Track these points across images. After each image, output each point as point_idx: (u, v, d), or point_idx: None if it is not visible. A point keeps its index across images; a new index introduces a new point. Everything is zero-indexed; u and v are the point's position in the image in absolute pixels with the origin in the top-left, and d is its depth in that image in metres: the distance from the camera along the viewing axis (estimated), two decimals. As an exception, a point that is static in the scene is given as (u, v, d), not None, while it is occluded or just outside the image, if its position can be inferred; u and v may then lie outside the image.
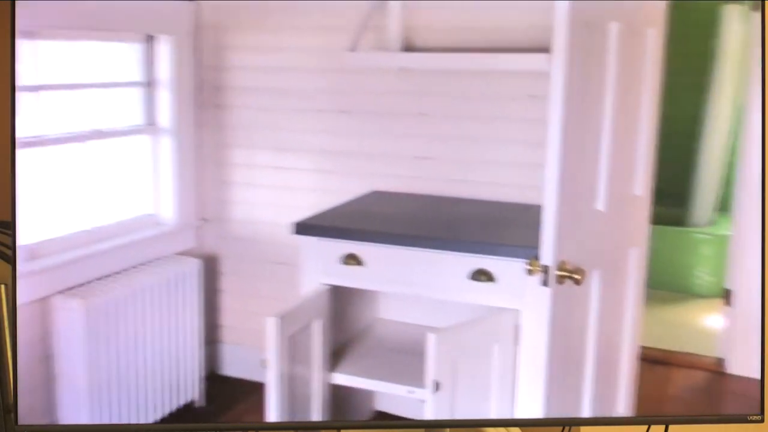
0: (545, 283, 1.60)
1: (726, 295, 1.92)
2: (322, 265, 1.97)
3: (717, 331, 2.03)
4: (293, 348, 1.85)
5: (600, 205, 1.76)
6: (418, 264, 1.85)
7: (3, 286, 1.82)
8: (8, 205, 1.58)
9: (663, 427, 1.52)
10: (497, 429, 1.66)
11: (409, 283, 1.88)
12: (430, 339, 1.71)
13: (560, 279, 1.60)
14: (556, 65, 1.54)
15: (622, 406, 1.70)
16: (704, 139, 3.00)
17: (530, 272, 1.61)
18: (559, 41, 1.53)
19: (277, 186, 2.30)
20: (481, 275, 1.77)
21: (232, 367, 2.34)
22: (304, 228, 1.98)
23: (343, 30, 2.15)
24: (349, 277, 1.94)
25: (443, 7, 2.11)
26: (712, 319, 2.20)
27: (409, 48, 2.15)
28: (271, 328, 1.80)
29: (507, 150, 2.07)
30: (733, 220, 1.98)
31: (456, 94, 2.12)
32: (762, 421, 1.45)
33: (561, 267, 1.60)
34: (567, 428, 1.65)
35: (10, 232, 1.58)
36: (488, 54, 2.00)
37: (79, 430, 1.74)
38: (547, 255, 1.59)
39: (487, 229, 1.91)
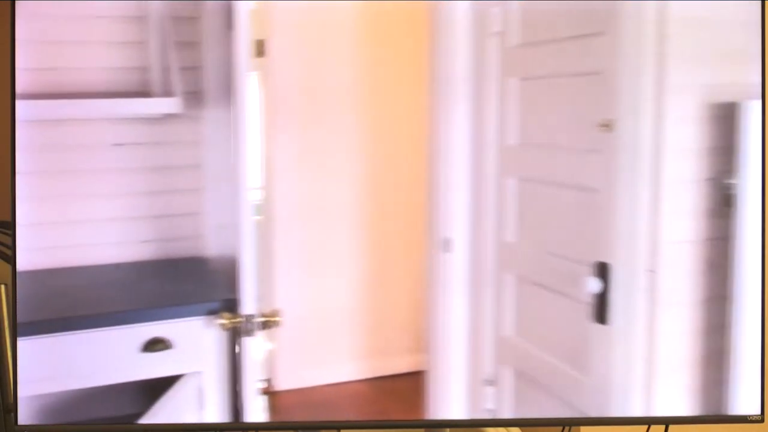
0: (249, 333, 1.53)
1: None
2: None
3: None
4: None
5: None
6: (79, 352, 1.56)
7: (3, 286, 1.81)
8: (8, 205, 1.54)
9: (663, 427, 1.50)
10: (497, 429, 1.62)
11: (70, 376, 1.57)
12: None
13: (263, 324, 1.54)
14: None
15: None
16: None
17: (224, 326, 1.52)
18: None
19: None
20: (156, 344, 1.57)
21: None
22: None
23: None
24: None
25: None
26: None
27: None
28: None
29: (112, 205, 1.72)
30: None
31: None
32: (762, 421, 1.43)
33: (261, 313, 1.54)
34: (567, 428, 1.62)
35: (10, 232, 1.54)
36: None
37: (79, 430, 1.68)
38: (250, 303, 1.52)
39: (151, 292, 1.68)
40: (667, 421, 1.45)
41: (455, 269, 1.81)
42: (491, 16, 1.68)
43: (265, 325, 1.53)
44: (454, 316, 1.82)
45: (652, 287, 1.34)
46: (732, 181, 1.29)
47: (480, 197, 1.76)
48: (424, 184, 1.85)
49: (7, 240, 1.66)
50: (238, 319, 1.52)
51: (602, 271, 1.42)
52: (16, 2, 1.54)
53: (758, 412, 1.40)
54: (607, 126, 1.39)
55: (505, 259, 1.71)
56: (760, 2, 1.31)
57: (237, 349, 1.54)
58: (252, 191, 1.58)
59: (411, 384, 1.97)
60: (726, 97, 1.29)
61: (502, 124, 1.69)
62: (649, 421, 1.45)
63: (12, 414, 1.58)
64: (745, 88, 1.29)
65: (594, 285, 1.43)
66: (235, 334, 1.53)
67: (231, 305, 1.52)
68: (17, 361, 1.54)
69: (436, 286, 1.85)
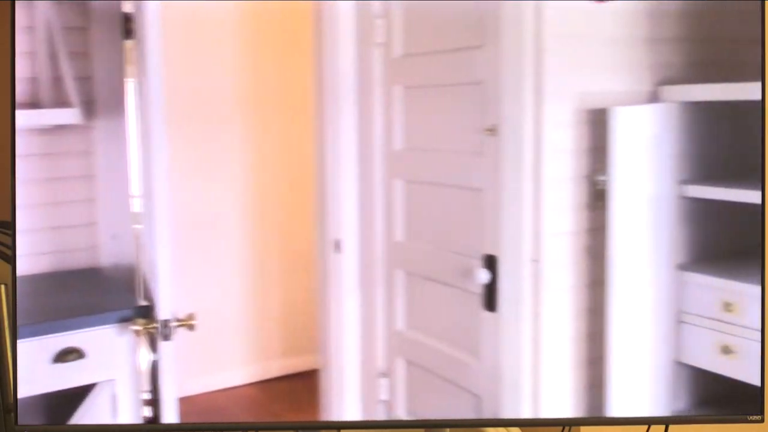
0: (167, 338, 1.55)
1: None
2: None
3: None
4: None
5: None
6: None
7: (3, 286, 1.80)
8: (8, 205, 1.53)
9: (663, 427, 1.52)
10: (497, 429, 1.66)
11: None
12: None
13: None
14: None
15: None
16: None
17: (138, 333, 1.54)
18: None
19: None
20: (68, 354, 1.55)
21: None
22: None
23: None
24: None
25: None
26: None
27: None
28: None
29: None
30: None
31: None
32: (762, 421, 1.44)
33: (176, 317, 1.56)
34: (567, 428, 1.65)
35: (10, 232, 1.53)
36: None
37: (79, 430, 1.64)
38: (165, 309, 1.55)
39: (58, 303, 1.66)
40: (667, 421, 1.48)
41: (346, 269, 1.89)
42: (375, 28, 1.77)
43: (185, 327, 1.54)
44: (347, 314, 1.90)
45: (536, 275, 1.49)
46: (603, 178, 1.46)
47: (369, 200, 1.85)
48: (313, 187, 1.92)
49: (7, 240, 1.65)
50: (152, 325, 1.52)
51: (490, 263, 1.55)
52: (16, 2, 1.53)
53: (758, 412, 1.44)
54: (491, 131, 1.52)
55: (395, 257, 1.81)
56: (760, 2, 1.39)
57: (151, 356, 1.54)
58: (143, 198, 1.59)
59: (306, 384, 2.03)
60: (598, 104, 1.45)
61: (389, 130, 1.79)
62: (649, 421, 1.47)
63: (12, 414, 1.56)
64: (614, 96, 1.46)
65: (483, 276, 1.55)
66: (148, 340, 1.53)
67: (144, 311, 1.53)
68: (17, 361, 1.53)
69: (328, 286, 1.92)
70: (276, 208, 2.10)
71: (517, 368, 1.52)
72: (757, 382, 1.39)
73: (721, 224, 1.50)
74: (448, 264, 1.66)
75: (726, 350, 1.42)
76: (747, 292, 1.40)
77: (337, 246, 1.90)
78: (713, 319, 1.44)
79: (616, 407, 1.48)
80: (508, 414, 1.54)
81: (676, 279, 1.49)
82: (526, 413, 1.51)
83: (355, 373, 1.91)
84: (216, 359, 2.11)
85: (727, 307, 1.42)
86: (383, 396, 1.87)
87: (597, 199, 1.47)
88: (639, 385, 1.50)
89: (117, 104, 1.61)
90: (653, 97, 1.47)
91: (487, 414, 1.59)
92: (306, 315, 2.05)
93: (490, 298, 1.56)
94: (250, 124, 2.04)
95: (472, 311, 1.60)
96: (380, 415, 1.91)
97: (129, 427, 1.62)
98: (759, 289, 1.38)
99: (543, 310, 1.49)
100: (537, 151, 1.46)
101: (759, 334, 1.39)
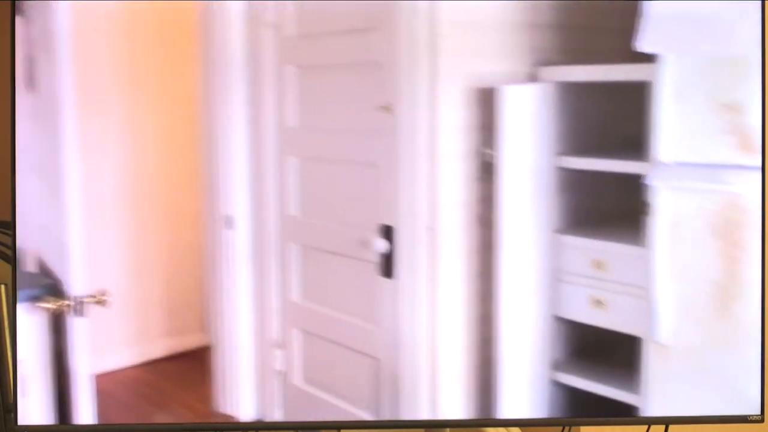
0: (79, 314, 1.60)
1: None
2: None
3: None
4: None
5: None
6: None
7: (3, 286, 1.81)
8: (8, 205, 1.54)
9: (663, 427, 1.56)
10: (497, 429, 1.69)
11: None
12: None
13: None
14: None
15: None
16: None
17: (49, 311, 1.57)
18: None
19: None
20: None
21: None
22: None
23: None
24: None
25: None
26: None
27: None
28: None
29: None
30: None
31: None
32: (762, 421, 1.48)
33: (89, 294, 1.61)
34: (567, 428, 1.67)
35: (10, 232, 1.55)
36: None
37: (79, 430, 1.64)
38: (79, 284, 1.60)
39: None
40: (667, 421, 1.52)
41: (239, 244, 1.94)
42: (266, 8, 1.82)
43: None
44: (239, 289, 1.94)
45: (431, 242, 1.61)
46: (492, 152, 1.60)
47: (261, 176, 1.90)
48: (201, 165, 1.94)
49: (7, 240, 1.66)
50: (64, 302, 1.51)
51: (387, 233, 1.66)
52: (16, 2, 1.54)
53: (758, 412, 1.47)
54: (387, 109, 1.63)
55: (290, 231, 1.88)
56: (760, 2, 1.44)
57: (62, 333, 1.53)
58: (46, 178, 1.57)
59: (194, 362, 2.05)
60: (485, 84, 1.59)
61: (282, 108, 1.85)
62: (649, 421, 1.52)
63: (12, 414, 1.59)
64: (501, 76, 1.60)
65: (381, 245, 1.66)
66: (58, 318, 1.52)
67: (52, 290, 1.51)
68: (17, 361, 1.54)
69: (219, 262, 1.96)
70: (160, 187, 2.10)
71: (415, 329, 1.64)
72: (624, 330, 1.58)
73: (594, 192, 1.69)
74: (345, 236, 1.75)
75: (597, 303, 1.60)
76: (614, 251, 1.58)
77: (229, 222, 1.94)
78: (585, 276, 1.62)
79: (506, 360, 1.63)
80: (408, 376, 1.66)
81: (554, 242, 1.66)
82: (423, 371, 1.64)
83: (249, 347, 1.96)
84: (96, 342, 2.09)
85: (598, 264, 1.60)
86: (278, 366, 1.93)
87: (485, 171, 1.61)
88: (524, 339, 1.66)
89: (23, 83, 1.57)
90: (533, 78, 1.63)
91: (385, 376, 1.70)
92: (191, 293, 2.07)
93: (387, 265, 1.66)
94: (131, 104, 2.03)
95: (370, 280, 1.70)
96: (275, 385, 1.97)
97: (129, 427, 1.62)
98: (625, 247, 1.56)
99: (438, 274, 1.61)
100: (431, 128, 1.57)
101: (624, 287, 1.57)
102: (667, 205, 1.41)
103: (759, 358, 1.44)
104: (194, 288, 2.03)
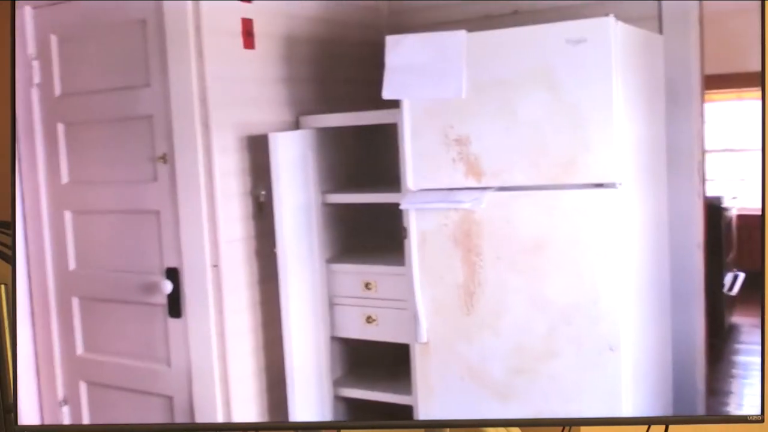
0: None
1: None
2: None
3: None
4: None
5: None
6: None
7: (3, 286, 1.83)
8: (8, 205, 1.58)
9: (663, 427, 1.58)
10: (497, 429, 1.71)
11: None
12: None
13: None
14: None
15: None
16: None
17: None
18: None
19: None
20: None
21: None
22: None
23: None
24: None
25: None
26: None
27: None
28: None
29: None
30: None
31: None
32: (762, 421, 1.50)
33: None
34: (567, 428, 1.71)
35: (10, 232, 1.59)
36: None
37: (79, 430, 1.72)
38: None
39: None
40: (667, 421, 1.55)
41: (19, 301, 1.93)
42: (33, 69, 1.87)
43: None
44: (21, 350, 1.93)
45: (217, 278, 1.74)
46: (263, 192, 1.78)
47: (37, 233, 1.92)
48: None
49: (7, 240, 1.70)
50: None
51: (173, 274, 1.76)
52: (16, 2, 1.57)
53: (758, 412, 1.50)
54: (163, 159, 1.75)
55: (70, 285, 1.91)
56: (760, 2, 1.51)
57: None
58: None
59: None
60: (255, 131, 1.76)
61: (53, 165, 1.89)
62: (649, 421, 1.55)
63: (12, 414, 1.63)
64: (266, 125, 1.78)
65: (167, 286, 1.76)
66: None
67: None
68: (17, 361, 1.63)
69: (-2, 325, 1.93)
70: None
71: (206, 362, 1.75)
72: (394, 340, 1.80)
73: (359, 223, 1.92)
74: (129, 283, 1.82)
75: (369, 320, 1.82)
76: (381, 272, 1.81)
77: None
78: (357, 297, 1.84)
79: (296, 382, 1.78)
80: (202, 407, 1.75)
81: (327, 270, 1.86)
82: (217, 399, 1.75)
83: (34, 407, 1.94)
84: None
85: (367, 285, 1.82)
86: (66, 420, 1.94)
87: (260, 210, 1.78)
88: (308, 361, 1.83)
89: None
90: (296, 126, 1.83)
91: (179, 411, 1.79)
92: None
93: (175, 305, 1.76)
94: None
95: (158, 321, 1.79)
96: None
97: (129, 427, 1.53)
98: (390, 268, 1.79)
99: (225, 306, 1.74)
100: (208, 172, 1.72)
101: (393, 303, 1.80)
102: (418, 225, 1.66)
103: (759, 358, 1.52)
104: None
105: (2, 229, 1.81)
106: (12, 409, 1.65)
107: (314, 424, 1.78)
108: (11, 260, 1.62)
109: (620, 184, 1.51)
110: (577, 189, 1.53)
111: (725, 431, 1.65)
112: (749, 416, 1.50)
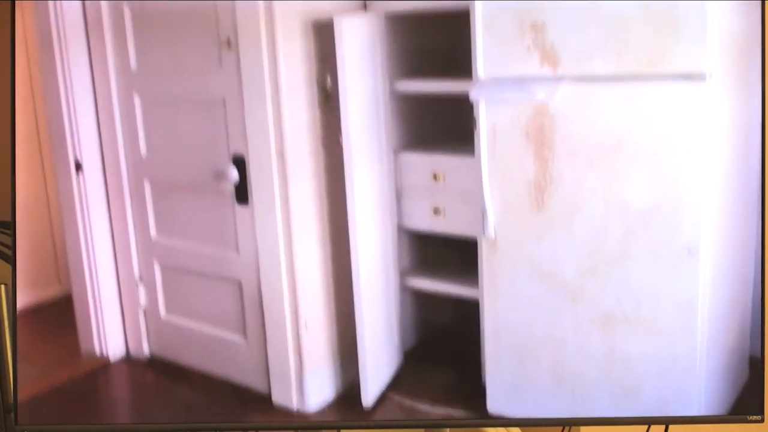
0: None
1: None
2: None
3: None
4: None
5: None
6: None
7: (3, 286, 1.82)
8: (8, 205, 1.57)
9: (663, 427, 1.58)
10: (497, 429, 1.70)
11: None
12: None
13: None
14: None
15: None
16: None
17: None
18: None
19: None
20: None
21: None
22: None
23: None
24: None
25: None
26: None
27: None
28: None
29: None
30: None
31: None
32: (762, 421, 1.50)
33: None
34: (567, 428, 1.71)
35: (10, 232, 1.58)
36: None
37: (78, 430, 1.68)
38: None
39: None
40: (667, 421, 1.54)
41: (91, 189, 1.96)
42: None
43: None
44: (97, 232, 1.98)
45: (282, 166, 1.72)
46: (330, 80, 1.72)
47: (108, 119, 1.93)
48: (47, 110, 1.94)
49: (7, 240, 1.68)
50: None
51: (240, 162, 1.75)
52: (16, 2, 1.56)
53: (758, 412, 1.51)
54: (227, 43, 1.70)
55: (142, 170, 1.93)
56: (760, 2, 1.49)
57: None
58: None
59: (51, 313, 2.06)
60: (323, 16, 1.69)
61: (122, 51, 1.87)
62: (649, 421, 1.55)
63: (12, 414, 1.62)
64: (332, 9, 1.70)
65: (234, 174, 1.75)
66: None
67: None
68: (17, 361, 1.60)
69: (73, 209, 1.98)
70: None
71: (273, 249, 1.76)
72: (461, 233, 1.76)
73: (428, 113, 1.85)
74: (199, 170, 1.83)
75: (437, 211, 1.78)
76: (449, 163, 1.76)
77: (79, 168, 1.95)
78: (425, 187, 1.79)
79: (362, 272, 1.77)
80: (269, 295, 1.77)
81: (394, 160, 1.81)
82: (284, 287, 1.76)
83: (112, 287, 2.01)
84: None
85: (435, 176, 1.77)
86: (142, 302, 2.00)
87: (326, 99, 1.73)
88: (375, 249, 1.82)
89: None
90: (363, 10, 1.75)
91: (248, 297, 1.82)
92: (44, 244, 2.07)
93: (242, 193, 1.76)
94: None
95: (226, 208, 1.80)
96: (141, 320, 2.04)
97: (129, 426, 1.62)
98: (459, 159, 1.73)
99: (290, 195, 1.73)
100: (272, 60, 1.66)
101: (461, 195, 1.75)
102: (489, 118, 1.59)
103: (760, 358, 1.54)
104: (46, 239, 2.04)
105: (2, 229, 1.80)
106: (12, 409, 1.64)
107: (314, 424, 1.75)
108: (11, 260, 1.62)
109: (710, 75, 1.39)
110: (662, 81, 1.41)
111: (725, 431, 1.65)
112: (749, 416, 1.50)
